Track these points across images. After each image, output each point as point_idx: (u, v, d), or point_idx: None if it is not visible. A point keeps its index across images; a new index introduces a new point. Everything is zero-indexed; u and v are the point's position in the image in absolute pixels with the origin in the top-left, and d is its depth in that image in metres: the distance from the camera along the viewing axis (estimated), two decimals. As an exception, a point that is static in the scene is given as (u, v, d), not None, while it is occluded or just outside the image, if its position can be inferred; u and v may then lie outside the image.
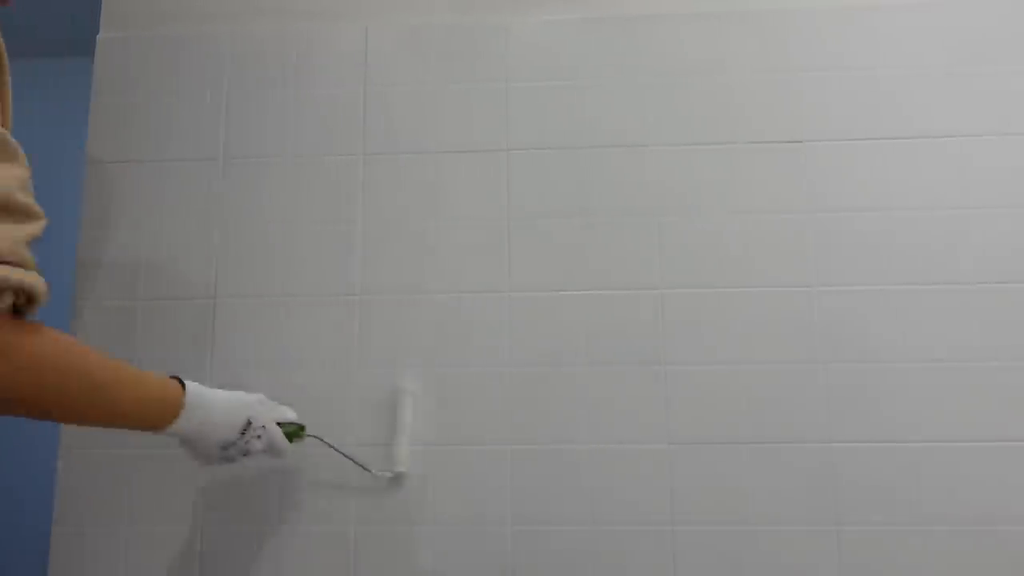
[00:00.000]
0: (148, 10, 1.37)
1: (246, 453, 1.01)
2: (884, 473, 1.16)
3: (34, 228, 0.74)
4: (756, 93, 1.28)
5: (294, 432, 1.09)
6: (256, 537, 1.19)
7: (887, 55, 1.28)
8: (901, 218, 1.22)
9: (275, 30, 1.35)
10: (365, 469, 1.17)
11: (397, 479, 1.19)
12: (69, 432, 1.23)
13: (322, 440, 1.14)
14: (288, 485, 1.20)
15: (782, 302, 1.21)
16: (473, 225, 1.27)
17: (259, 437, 1.01)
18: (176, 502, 1.20)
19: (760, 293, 1.22)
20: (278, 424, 1.05)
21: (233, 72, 1.34)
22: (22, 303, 0.73)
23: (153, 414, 0.91)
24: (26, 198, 0.74)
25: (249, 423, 1.00)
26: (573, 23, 1.32)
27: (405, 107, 1.31)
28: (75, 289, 1.27)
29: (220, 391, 1.00)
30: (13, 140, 0.76)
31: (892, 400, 1.17)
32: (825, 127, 1.26)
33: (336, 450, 1.15)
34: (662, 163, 1.27)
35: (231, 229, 1.29)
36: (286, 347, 1.24)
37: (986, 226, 1.21)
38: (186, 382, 0.94)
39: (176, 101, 1.33)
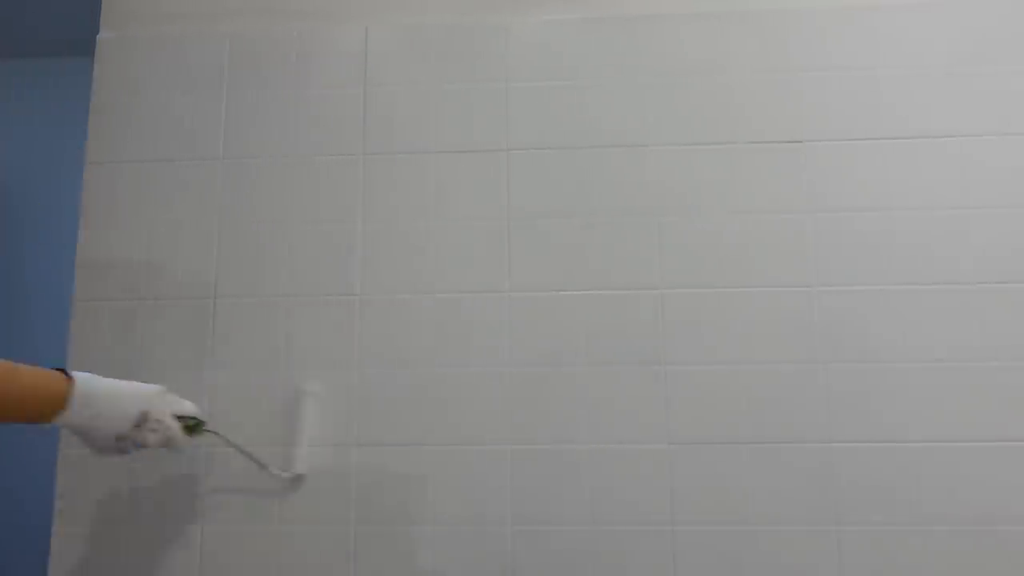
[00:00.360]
0: (148, 10, 1.37)
1: (141, 445, 1.01)
2: (884, 473, 1.16)
3: None
4: (756, 93, 1.28)
5: (193, 426, 1.08)
6: (256, 537, 1.19)
7: (887, 55, 1.28)
8: (901, 218, 1.22)
9: (275, 30, 1.35)
10: (263, 467, 1.17)
11: (296, 480, 1.19)
12: (69, 432, 1.22)
13: (221, 436, 1.13)
14: (288, 486, 1.20)
15: (782, 302, 1.21)
16: (473, 225, 1.27)
17: (155, 431, 1.01)
18: (176, 502, 1.20)
19: (760, 293, 1.22)
20: (178, 418, 1.05)
21: (233, 72, 1.34)
22: None
23: (32, 408, 0.92)
24: None
25: (145, 416, 1.00)
26: (573, 23, 1.32)
27: (405, 107, 1.31)
28: (75, 289, 1.27)
29: (116, 382, 0.99)
30: None
31: (892, 400, 1.17)
32: (825, 127, 1.26)
33: (235, 447, 1.15)
34: (662, 163, 1.27)
35: (231, 229, 1.29)
36: (286, 347, 1.24)
37: (986, 226, 1.21)
38: (76, 374, 0.95)
39: (176, 101, 1.33)
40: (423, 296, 1.25)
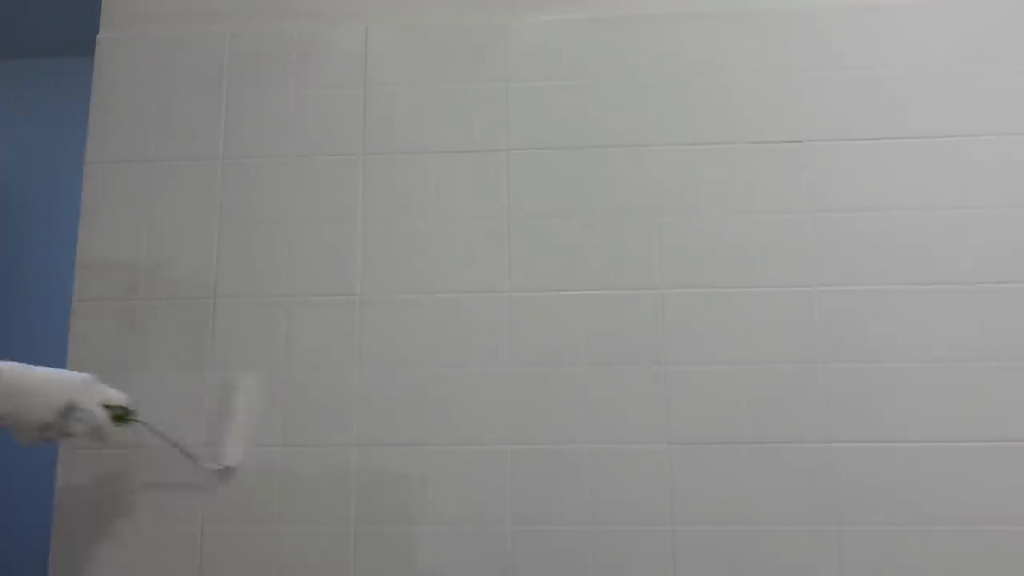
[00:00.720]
0: (148, 10, 1.37)
1: (67, 435, 1.00)
2: (884, 473, 1.16)
3: None
4: (756, 93, 1.28)
5: (122, 416, 1.06)
6: (256, 537, 1.19)
7: (887, 55, 1.28)
8: (901, 218, 1.22)
9: (275, 30, 1.35)
10: (194, 460, 1.16)
11: (226, 472, 1.19)
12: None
13: (150, 427, 1.12)
14: (288, 485, 1.20)
15: (782, 302, 1.21)
16: (473, 225, 1.27)
17: (81, 420, 1.00)
18: (176, 502, 1.20)
19: (760, 293, 1.22)
20: (106, 407, 1.04)
21: (233, 72, 1.34)
22: None
23: None
24: None
25: (72, 405, 0.99)
26: (573, 23, 1.32)
27: (405, 107, 1.31)
28: (75, 289, 1.27)
29: (42, 369, 0.98)
30: None
31: (892, 400, 1.17)
32: (825, 127, 1.26)
33: (164, 438, 1.14)
34: (662, 163, 1.27)
35: (231, 229, 1.29)
36: (286, 347, 1.24)
37: (986, 226, 1.21)
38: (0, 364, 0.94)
39: (176, 101, 1.33)
40: (423, 296, 1.25)
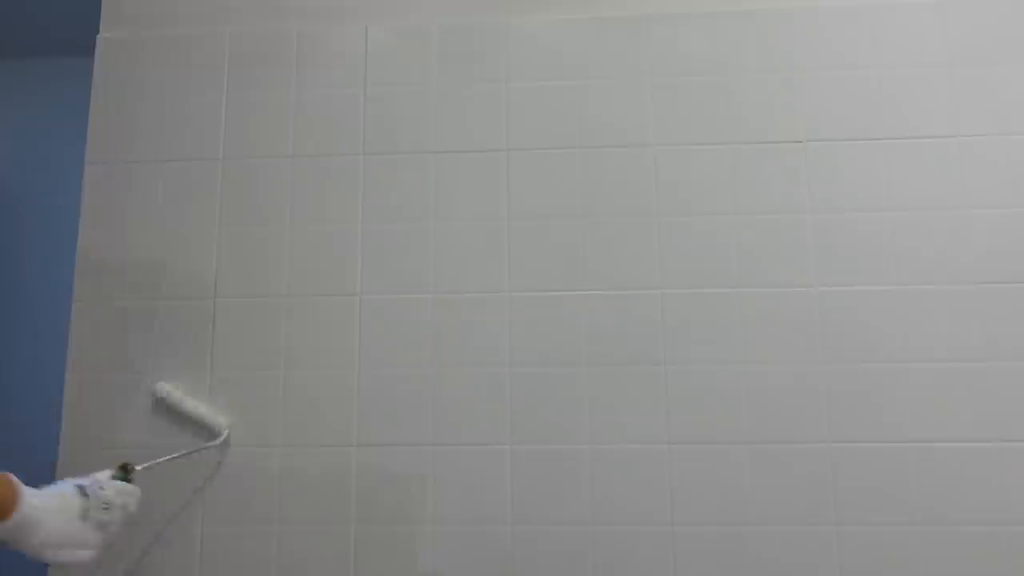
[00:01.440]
0: (148, 10, 1.37)
1: (104, 526, 0.96)
2: (884, 473, 1.16)
3: None
4: (757, 93, 1.28)
5: (126, 475, 1.04)
6: (256, 537, 1.19)
7: (887, 55, 1.28)
8: (901, 218, 1.22)
9: (275, 30, 1.35)
10: (208, 446, 1.18)
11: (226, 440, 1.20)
12: (69, 432, 1.23)
13: (151, 466, 1.10)
14: (288, 485, 1.20)
15: (782, 302, 1.21)
16: (473, 225, 1.27)
17: (106, 505, 0.97)
18: (176, 502, 1.20)
19: (760, 293, 1.22)
20: (112, 478, 1.01)
21: (233, 72, 1.34)
22: None
23: None
24: None
25: (85, 498, 0.95)
26: (574, 23, 1.32)
27: (405, 107, 1.31)
28: (75, 289, 1.27)
29: (40, 496, 0.91)
30: None
31: (892, 400, 1.17)
32: (826, 127, 1.26)
33: (169, 459, 1.12)
34: (662, 163, 1.27)
35: (231, 229, 1.29)
36: (286, 347, 1.24)
37: (986, 226, 1.21)
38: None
39: (176, 101, 1.33)
40: (423, 296, 1.25)
